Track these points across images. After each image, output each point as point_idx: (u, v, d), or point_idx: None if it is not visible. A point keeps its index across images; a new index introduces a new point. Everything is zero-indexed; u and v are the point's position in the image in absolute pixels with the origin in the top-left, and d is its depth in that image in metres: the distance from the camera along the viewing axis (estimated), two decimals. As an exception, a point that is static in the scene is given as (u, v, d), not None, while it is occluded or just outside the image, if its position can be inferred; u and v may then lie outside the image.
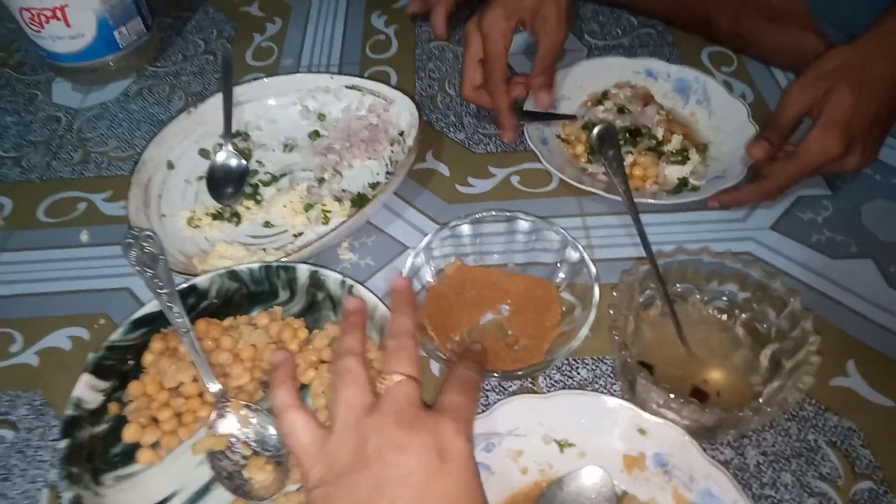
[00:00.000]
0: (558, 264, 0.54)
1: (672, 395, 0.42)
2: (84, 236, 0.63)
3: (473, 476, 0.38)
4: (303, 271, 0.51)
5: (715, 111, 0.68)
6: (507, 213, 0.55)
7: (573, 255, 0.53)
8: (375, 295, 0.49)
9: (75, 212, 0.66)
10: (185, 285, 0.50)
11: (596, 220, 0.62)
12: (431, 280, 0.54)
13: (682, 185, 0.62)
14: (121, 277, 0.59)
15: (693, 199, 0.59)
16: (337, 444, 0.39)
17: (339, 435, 0.39)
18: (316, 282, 0.51)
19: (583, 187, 0.61)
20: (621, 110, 0.66)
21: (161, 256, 0.49)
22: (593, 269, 0.50)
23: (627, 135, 0.64)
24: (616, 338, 0.44)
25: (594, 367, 0.52)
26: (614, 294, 0.47)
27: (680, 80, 0.71)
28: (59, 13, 0.72)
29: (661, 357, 0.49)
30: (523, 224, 0.56)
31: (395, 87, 0.69)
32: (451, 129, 0.72)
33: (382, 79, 0.77)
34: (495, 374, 0.48)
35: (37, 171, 0.71)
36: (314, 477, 0.39)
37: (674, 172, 0.62)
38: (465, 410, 0.41)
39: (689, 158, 0.62)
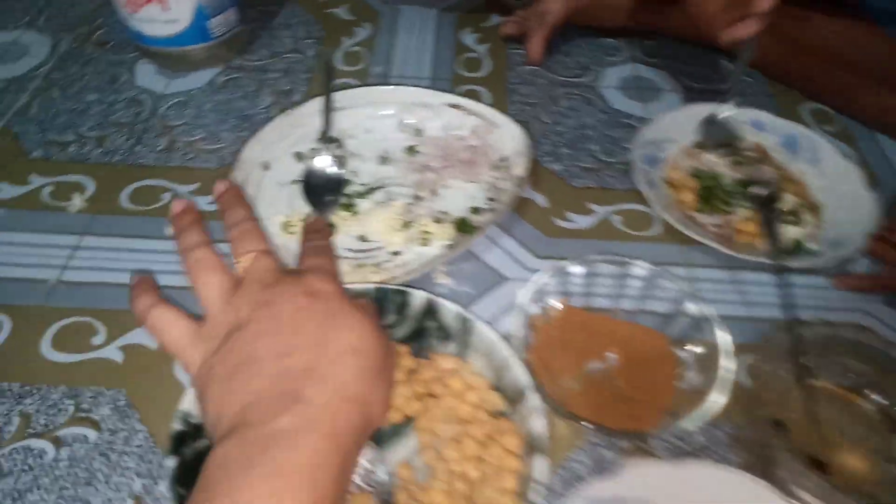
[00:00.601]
0: (672, 317, 0.52)
1: (827, 484, 0.39)
2: (170, 230, 0.61)
3: (347, 305, 0.39)
4: (418, 298, 0.49)
5: (826, 173, 0.66)
6: (623, 259, 0.53)
7: (691, 309, 0.51)
8: (496, 332, 0.47)
9: (160, 202, 0.64)
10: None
11: (702, 273, 0.60)
12: (536, 319, 0.52)
13: (797, 247, 0.59)
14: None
15: (814, 263, 0.57)
16: (211, 327, 0.39)
17: (211, 318, 0.40)
18: (430, 310, 0.49)
19: (692, 235, 0.59)
20: (737, 162, 0.64)
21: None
22: (717, 327, 0.48)
23: (744, 187, 0.62)
24: (766, 406, 0.42)
25: (709, 434, 0.49)
26: (755, 361, 0.45)
27: (788, 137, 0.69)
28: (159, -5, 0.71)
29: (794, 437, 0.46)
30: (638, 270, 0.53)
31: (501, 112, 0.67)
32: (547, 158, 0.70)
33: (478, 99, 0.75)
34: (619, 434, 0.45)
35: (120, 154, 0.68)
36: (195, 364, 0.39)
37: (788, 232, 0.60)
38: (326, 266, 0.43)
39: (801, 219, 0.60)
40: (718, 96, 0.78)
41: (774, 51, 0.79)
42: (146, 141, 0.70)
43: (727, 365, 0.46)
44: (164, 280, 0.57)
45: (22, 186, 0.64)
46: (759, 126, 0.70)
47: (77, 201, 0.63)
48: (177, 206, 0.48)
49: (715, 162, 0.65)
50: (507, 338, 0.47)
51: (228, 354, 0.37)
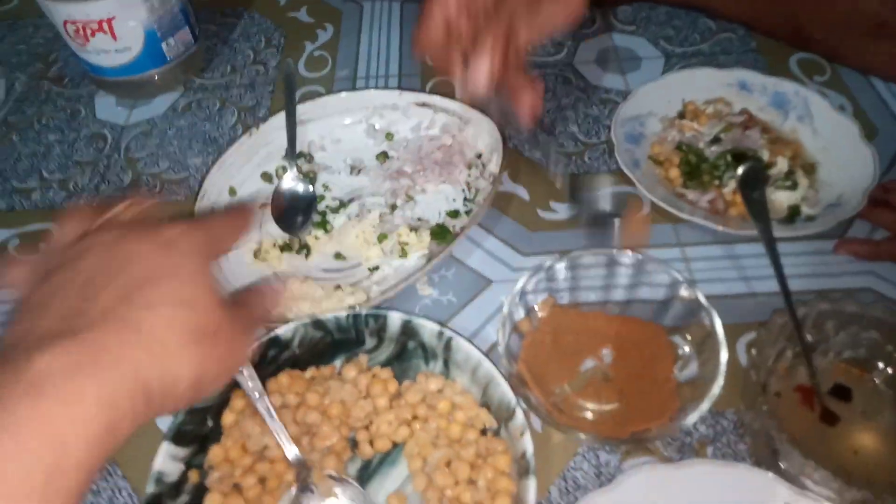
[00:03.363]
0: (665, 305, 0.49)
1: (831, 475, 0.37)
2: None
3: (192, 262, 0.31)
4: (394, 320, 0.46)
5: (819, 130, 0.62)
6: (608, 249, 0.50)
7: (685, 294, 0.48)
8: (479, 350, 0.45)
9: (130, 241, 0.62)
10: (266, 337, 0.45)
11: (696, 251, 0.57)
12: (523, 325, 0.50)
13: (794, 213, 0.56)
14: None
15: (812, 230, 0.54)
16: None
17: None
18: (409, 331, 0.46)
19: (681, 215, 0.56)
20: (725, 130, 0.61)
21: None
22: (714, 313, 0.45)
23: (730, 158, 0.58)
24: (764, 408, 0.39)
25: (714, 423, 0.47)
26: (753, 352, 0.42)
27: (777, 94, 0.65)
28: (105, 26, 0.68)
29: (794, 420, 0.44)
30: (624, 259, 0.51)
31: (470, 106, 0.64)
32: (526, 147, 0.67)
33: (449, 93, 0.72)
34: (622, 442, 0.43)
35: (85, 195, 0.66)
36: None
37: (783, 199, 0.56)
38: (200, 232, 0.33)
39: (797, 183, 0.57)
40: (699, 59, 0.74)
41: (764, 5, 0.74)
42: (110, 177, 0.68)
43: (724, 350, 0.43)
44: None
45: (-12, 241, 0.63)
46: (744, 87, 0.66)
47: (45, 250, 0.61)
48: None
49: (699, 132, 0.61)
50: (493, 349, 0.45)
51: (43, 282, 0.30)
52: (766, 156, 0.58)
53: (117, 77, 0.73)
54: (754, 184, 0.39)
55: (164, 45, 0.72)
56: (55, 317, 0.28)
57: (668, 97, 0.66)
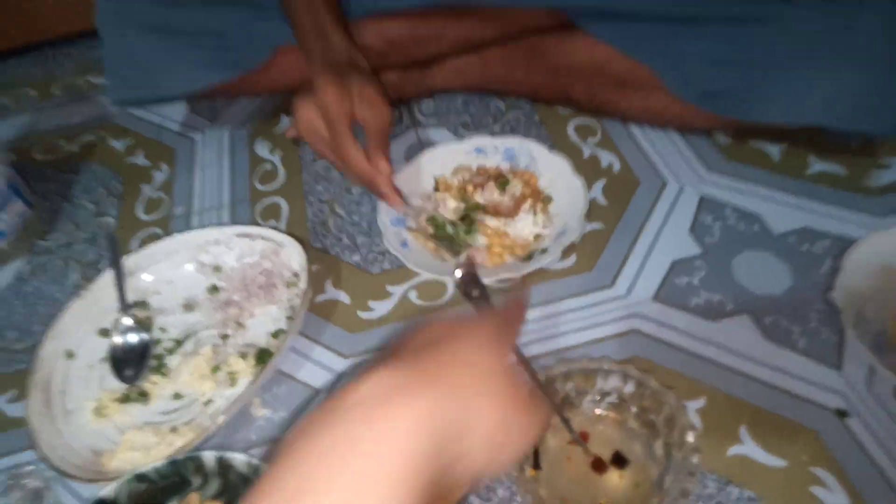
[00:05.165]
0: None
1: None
2: (-9, 448, 0.62)
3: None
4: (209, 458, 0.51)
5: (542, 170, 0.75)
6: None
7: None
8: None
9: (-19, 421, 0.65)
10: (93, 501, 0.50)
11: (493, 325, 0.65)
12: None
13: (532, 250, 0.68)
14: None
15: (548, 261, 0.66)
16: None
17: None
18: (224, 466, 0.52)
19: (442, 279, 0.67)
20: (464, 198, 0.73)
21: (46, 486, 0.49)
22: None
23: (485, 213, 0.71)
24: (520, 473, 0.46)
25: (510, 486, 0.54)
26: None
27: (507, 150, 0.79)
28: (-67, 217, 0.72)
29: (567, 465, 0.51)
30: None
31: (282, 231, 0.71)
32: (346, 252, 0.74)
33: (274, 214, 0.80)
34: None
35: (-64, 380, 0.69)
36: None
37: (527, 228, 0.68)
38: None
39: (537, 214, 0.69)
40: (488, 129, 0.85)
41: (538, 79, 0.85)
42: (-40, 358, 0.71)
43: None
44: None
45: None
46: (480, 150, 0.79)
47: None
48: None
49: (447, 203, 0.72)
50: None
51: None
52: (514, 187, 0.72)
53: (-43, 259, 0.77)
54: (473, 283, 0.46)
55: (-2, 221, 0.77)
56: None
57: (421, 177, 0.77)
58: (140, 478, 0.51)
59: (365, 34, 0.79)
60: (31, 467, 0.50)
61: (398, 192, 0.70)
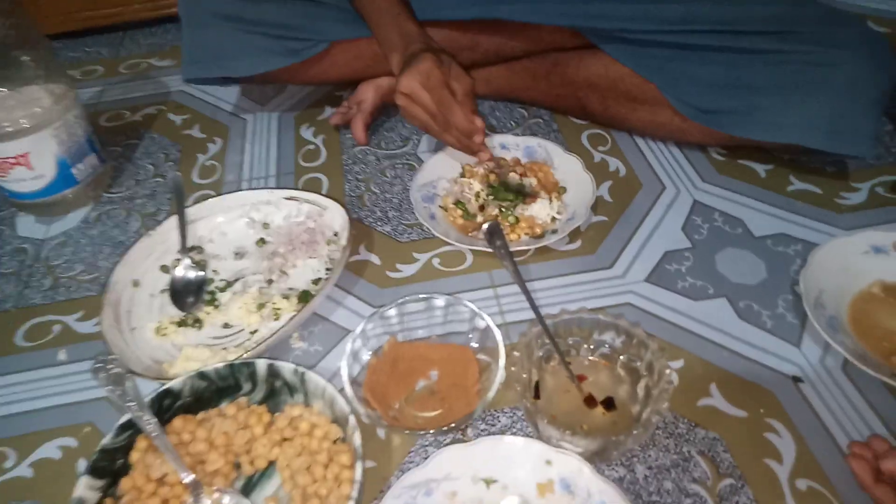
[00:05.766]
0: (470, 333, 0.66)
1: (564, 430, 0.53)
2: (62, 355, 0.71)
3: None
4: (261, 365, 0.61)
5: (557, 165, 0.86)
6: (424, 295, 0.67)
7: (481, 323, 0.65)
8: (323, 378, 0.60)
9: (51, 334, 0.74)
10: (160, 389, 0.59)
11: (505, 290, 0.74)
12: (370, 359, 0.65)
13: (544, 229, 0.79)
14: (99, 389, 0.67)
15: (557, 238, 0.77)
16: None
17: None
18: (273, 372, 0.61)
19: (465, 247, 0.77)
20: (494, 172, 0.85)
21: (127, 374, 0.58)
22: (498, 334, 0.62)
23: (516, 193, 0.82)
24: (518, 388, 0.56)
25: (512, 415, 0.63)
26: (515, 353, 0.59)
27: (527, 147, 0.89)
28: (21, 160, 0.82)
29: (561, 398, 0.60)
30: (438, 302, 0.67)
31: (327, 196, 0.81)
32: (379, 224, 0.84)
33: (315, 187, 0.90)
34: (430, 432, 0.58)
35: (11, 301, 0.79)
36: None
37: (544, 210, 0.79)
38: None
39: (552, 199, 0.80)
40: (509, 129, 0.95)
41: (558, 90, 0.96)
42: (33, 283, 0.81)
43: (502, 361, 0.60)
44: (60, 400, 0.68)
45: (-74, 348, 0.74)
46: (504, 146, 0.90)
47: (-23, 350, 0.73)
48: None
49: (472, 185, 0.84)
50: (343, 379, 0.60)
51: None
52: (528, 181, 0.82)
53: (34, 199, 0.87)
54: (497, 236, 0.55)
55: (73, 170, 0.87)
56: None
57: (451, 163, 0.88)
58: (202, 376, 0.61)
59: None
60: (114, 356, 0.59)
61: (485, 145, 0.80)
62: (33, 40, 0.82)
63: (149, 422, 0.55)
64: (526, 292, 0.61)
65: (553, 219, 0.79)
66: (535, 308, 0.60)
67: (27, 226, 0.89)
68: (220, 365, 0.61)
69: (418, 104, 0.77)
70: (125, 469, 0.57)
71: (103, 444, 0.56)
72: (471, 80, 0.78)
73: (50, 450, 0.63)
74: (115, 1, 1.24)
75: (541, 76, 0.96)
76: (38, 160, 0.83)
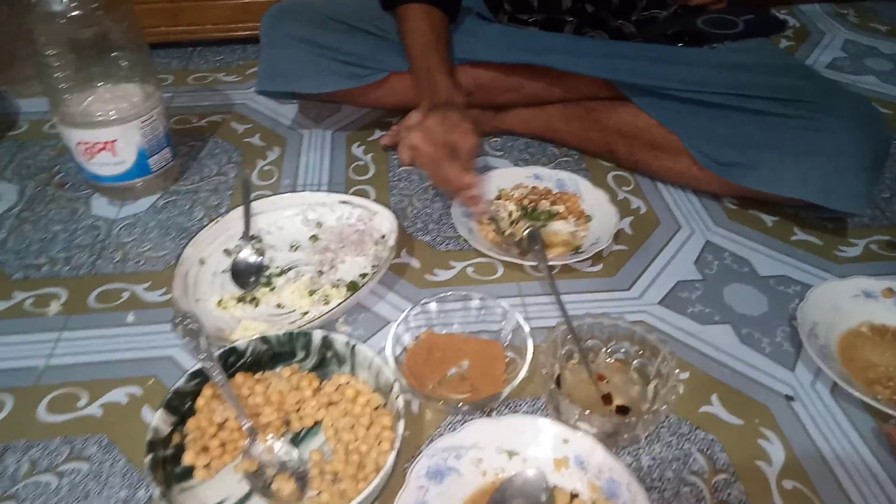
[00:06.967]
0: (501, 330, 0.74)
1: (582, 410, 0.61)
2: (131, 318, 0.80)
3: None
4: (317, 335, 0.69)
5: (585, 198, 0.96)
6: (462, 293, 0.76)
7: (512, 322, 0.73)
8: (372, 350, 0.67)
9: (120, 299, 0.83)
10: (227, 347, 0.67)
11: (531, 300, 0.83)
12: (409, 345, 0.73)
13: (567, 249, 0.88)
14: (163, 348, 0.76)
15: (582, 258, 0.85)
16: None
17: None
18: (326, 343, 0.69)
19: (498, 257, 0.85)
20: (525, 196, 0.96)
21: (201, 330, 0.66)
22: (527, 330, 0.70)
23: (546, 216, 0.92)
24: (544, 372, 0.64)
25: (533, 404, 0.70)
26: (542, 346, 0.67)
27: (558, 179, 0.99)
28: (109, 146, 0.92)
29: (579, 394, 0.68)
30: (475, 301, 0.76)
31: (378, 202, 0.90)
32: (420, 233, 0.93)
33: (367, 196, 0.99)
34: (461, 406, 0.66)
35: (85, 268, 0.87)
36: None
37: (566, 227, 0.89)
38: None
39: (577, 227, 0.90)
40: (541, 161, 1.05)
41: (590, 134, 1.06)
42: (104, 256, 0.89)
43: (529, 356, 0.68)
44: (128, 355, 0.75)
45: (7, 301, 0.82)
46: (538, 177, 1.00)
47: (54, 307, 0.81)
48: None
49: (505, 206, 0.94)
50: (387, 354, 0.68)
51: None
52: (557, 208, 0.92)
53: (112, 183, 0.96)
54: (536, 241, 0.64)
55: (150, 161, 0.97)
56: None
57: (490, 187, 0.97)
58: (264, 340, 0.68)
59: (462, 75, 1.02)
60: (190, 314, 0.67)
61: (479, 197, 0.88)
62: (136, 44, 0.93)
63: (217, 373, 0.63)
64: (555, 291, 0.69)
65: (573, 234, 0.88)
66: (562, 307, 0.68)
67: (101, 206, 0.99)
68: (281, 332, 0.69)
69: (421, 157, 0.85)
70: (191, 412, 0.64)
71: (176, 387, 0.64)
72: (476, 139, 0.85)
73: (118, 395, 0.71)
74: (193, 20, 1.37)
75: (575, 120, 1.07)
76: (122, 148, 0.93)
